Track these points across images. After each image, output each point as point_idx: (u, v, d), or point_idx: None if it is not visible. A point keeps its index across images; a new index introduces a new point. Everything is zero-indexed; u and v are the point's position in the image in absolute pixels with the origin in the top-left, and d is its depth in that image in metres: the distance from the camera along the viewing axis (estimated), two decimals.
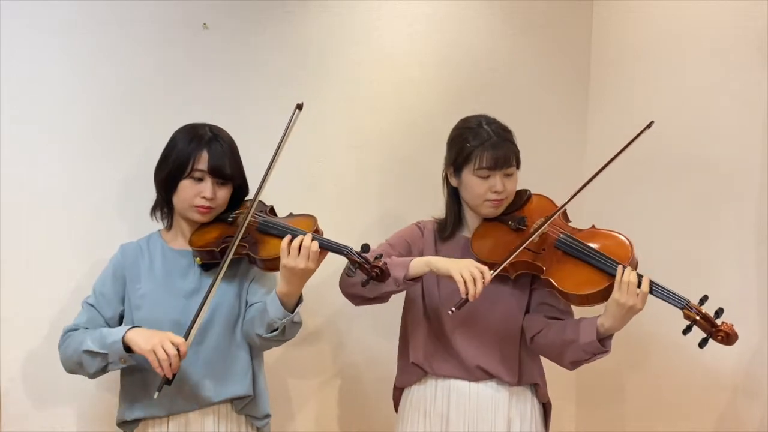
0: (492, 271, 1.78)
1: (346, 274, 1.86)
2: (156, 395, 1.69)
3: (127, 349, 1.70)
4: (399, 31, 2.53)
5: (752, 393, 2.12)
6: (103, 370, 1.76)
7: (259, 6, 2.33)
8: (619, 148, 1.92)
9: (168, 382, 1.67)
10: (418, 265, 1.83)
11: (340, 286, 1.94)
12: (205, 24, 2.27)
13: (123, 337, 1.70)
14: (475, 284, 1.73)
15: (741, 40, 2.18)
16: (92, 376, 1.78)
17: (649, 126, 1.93)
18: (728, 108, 2.22)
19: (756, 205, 2.12)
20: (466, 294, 1.73)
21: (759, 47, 2.12)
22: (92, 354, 1.74)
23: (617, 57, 2.70)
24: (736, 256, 2.17)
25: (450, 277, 1.76)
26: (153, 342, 1.65)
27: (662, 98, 2.46)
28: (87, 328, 1.82)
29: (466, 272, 1.74)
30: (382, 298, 1.90)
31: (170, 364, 1.64)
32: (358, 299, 1.93)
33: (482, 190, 1.92)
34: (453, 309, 1.75)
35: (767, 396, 2.08)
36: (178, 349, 1.65)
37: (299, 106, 1.81)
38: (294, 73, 2.40)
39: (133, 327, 1.73)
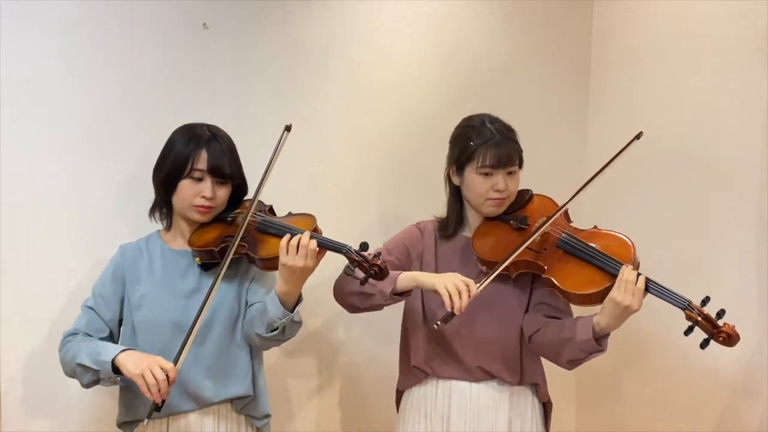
0: (478, 285, 1.78)
1: (345, 272, 1.87)
2: (146, 422, 1.70)
3: (118, 370, 1.69)
4: (399, 31, 2.53)
5: (752, 393, 2.12)
6: (96, 383, 1.77)
7: (259, 6, 2.33)
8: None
9: (157, 408, 1.67)
10: (405, 279, 1.84)
11: (334, 293, 1.96)
12: (205, 24, 2.27)
13: (114, 359, 1.69)
14: (460, 297, 1.73)
15: (741, 40, 2.18)
16: (86, 386, 1.79)
17: (638, 137, 1.94)
18: (728, 108, 2.21)
19: (756, 205, 2.12)
20: (452, 307, 1.73)
21: (759, 47, 2.12)
22: (85, 368, 1.74)
23: (617, 57, 2.70)
24: (736, 256, 2.17)
25: (435, 291, 1.77)
26: (141, 366, 1.64)
27: (662, 98, 2.46)
28: (87, 334, 1.83)
29: (451, 286, 1.74)
30: (375, 308, 1.91)
31: (159, 390, 1.63)
32: (350, 308, 1.95)
33: (484, 188, 1.92)
34: (438, 323, 1.77)
35: (767, 396, 2.08)
36: (167, 375, 1.64)
37: (288, 128, 1.82)
38: (294, 73, 2.40)
39: (125, 350, 1.72)
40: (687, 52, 2.37)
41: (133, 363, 1.67)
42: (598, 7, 2.81)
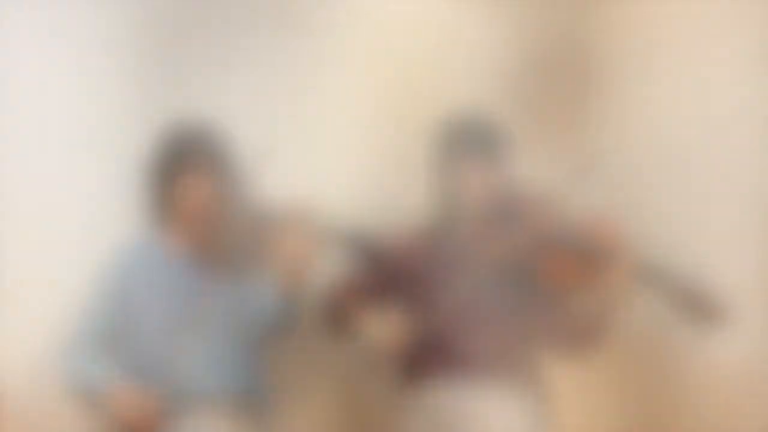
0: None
1: (344, 262, 1.89)
2: None
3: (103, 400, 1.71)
4: (398, 30, 2.53)
5: (755, 393, 2.12)
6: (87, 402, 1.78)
7: (257, 5, 2.34)
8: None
9: None
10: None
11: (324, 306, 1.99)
12: (202, 23, 2.27)
13: (98, 391, 1.70)
14: None
15: (741, 39, 2.18)
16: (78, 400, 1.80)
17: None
18: (728, 108, 2.21)
19: (756, 205, 2.12)
20: None
21: (760, 47, 2.12)
22: (75, 389, 1.76)
23: (617, 57, 2.70)
24: (737, 257, 2.17)
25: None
26: (125, 402, 1.66)
27: (662, 98, 2.46)
28: (87, 340, 1.83)
29: None
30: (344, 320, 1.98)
31: (145, 423, 1.64)
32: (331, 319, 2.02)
33: (472, 180, 1.93)
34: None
35: None
36: (151, 410, 1.65)
37: (262, 156, 1.82)
38: (293, 73, 2.40)
39: (112, 383, 1.72)
40: (687, 51, 2.37)
41: (117, 397, 1.68)
42: (598, 7, 2.80)
